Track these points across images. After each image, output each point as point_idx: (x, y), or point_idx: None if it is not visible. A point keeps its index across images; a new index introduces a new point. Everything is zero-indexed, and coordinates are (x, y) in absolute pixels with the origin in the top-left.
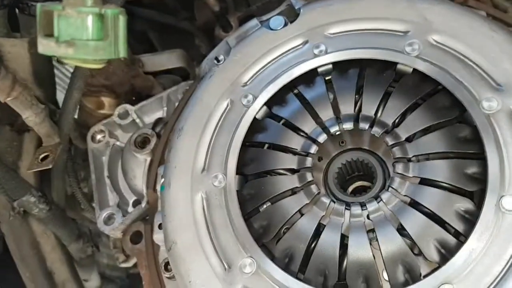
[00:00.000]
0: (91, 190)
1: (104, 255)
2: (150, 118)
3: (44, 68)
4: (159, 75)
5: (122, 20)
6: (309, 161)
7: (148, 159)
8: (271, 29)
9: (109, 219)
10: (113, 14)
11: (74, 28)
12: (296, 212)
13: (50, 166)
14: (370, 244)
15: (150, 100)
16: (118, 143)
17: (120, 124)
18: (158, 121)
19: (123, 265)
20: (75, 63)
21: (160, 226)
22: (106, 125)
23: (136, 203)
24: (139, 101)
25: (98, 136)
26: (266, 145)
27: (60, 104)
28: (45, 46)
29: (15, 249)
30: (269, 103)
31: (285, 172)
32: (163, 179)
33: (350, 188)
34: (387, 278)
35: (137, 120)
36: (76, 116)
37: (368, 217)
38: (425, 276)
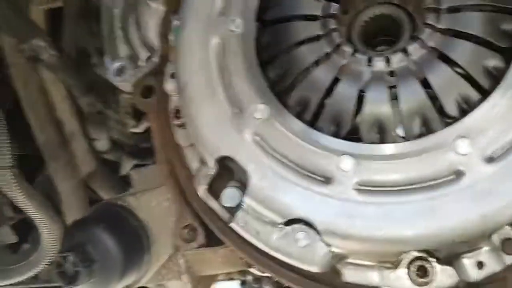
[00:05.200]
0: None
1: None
2: None
3: None
4: None
5: None
6: (334, 8)
7: (163, 8)
8: None
9: (120, 71)
10: None
11: None
12: (315, 61)
13: (61, 5)
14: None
15: None
16: None
17: None
18: None
19: (133, 130)
20: None
21: (172, 75)
22: None
23: (149, 59)
24: None
25: None
26: None
27: None
28: None
29: (23, 95)
30: None
31: (307, 17)
32: (177, 22)
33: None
34: (401, 134)
35: None
36: None
37: (391, 73)
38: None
